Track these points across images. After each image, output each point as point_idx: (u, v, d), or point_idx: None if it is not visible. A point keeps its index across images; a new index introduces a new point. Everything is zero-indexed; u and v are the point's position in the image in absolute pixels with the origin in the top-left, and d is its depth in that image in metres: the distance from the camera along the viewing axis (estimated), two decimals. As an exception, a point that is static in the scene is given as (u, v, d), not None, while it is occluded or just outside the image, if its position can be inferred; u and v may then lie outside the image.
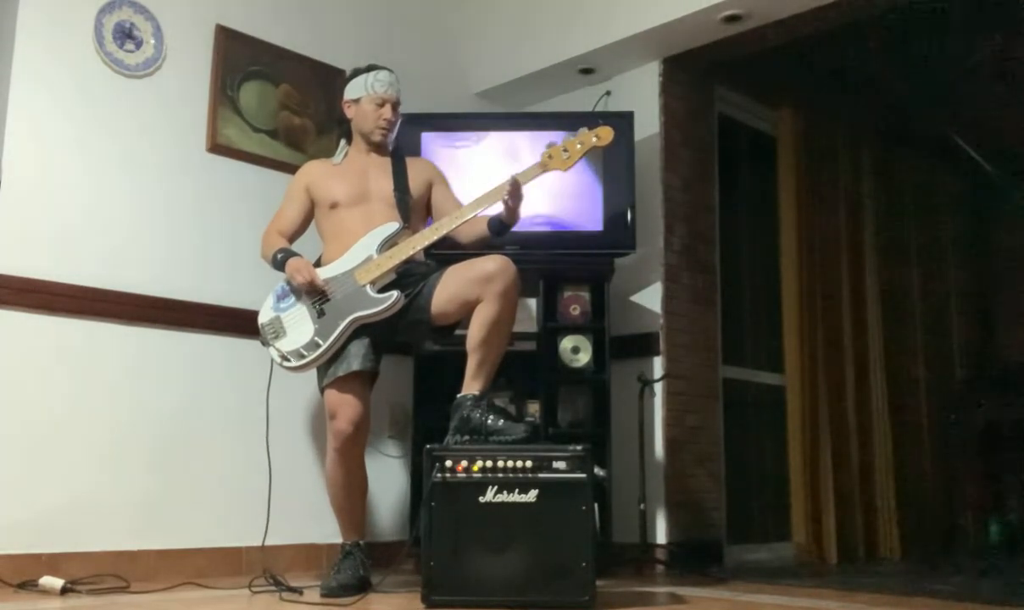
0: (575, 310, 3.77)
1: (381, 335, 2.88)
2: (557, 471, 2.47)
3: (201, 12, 3.52)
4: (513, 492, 2.46)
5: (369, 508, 3.44)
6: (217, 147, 3.51)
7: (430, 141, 3.81)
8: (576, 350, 3.72)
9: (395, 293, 2.82)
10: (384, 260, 2.84)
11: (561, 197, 3.79)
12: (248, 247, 3.27)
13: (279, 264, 2.91)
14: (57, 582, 2.72)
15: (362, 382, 2.83)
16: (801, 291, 4.59)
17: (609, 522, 3.57)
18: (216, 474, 3.35)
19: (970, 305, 6.14)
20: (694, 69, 4.25)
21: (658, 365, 3.93)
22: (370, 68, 3.09)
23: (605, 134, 2.86)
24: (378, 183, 3.03)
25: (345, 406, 2.78)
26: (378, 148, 3.10)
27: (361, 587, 2.77)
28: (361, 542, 2.91)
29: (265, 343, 2.91)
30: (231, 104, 3.56)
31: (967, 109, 5.34)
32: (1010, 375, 5.90)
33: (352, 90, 3.09)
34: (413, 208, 3.03)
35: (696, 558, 3.79)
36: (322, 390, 2.87)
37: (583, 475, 2.46)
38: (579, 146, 2.86)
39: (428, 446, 2.53)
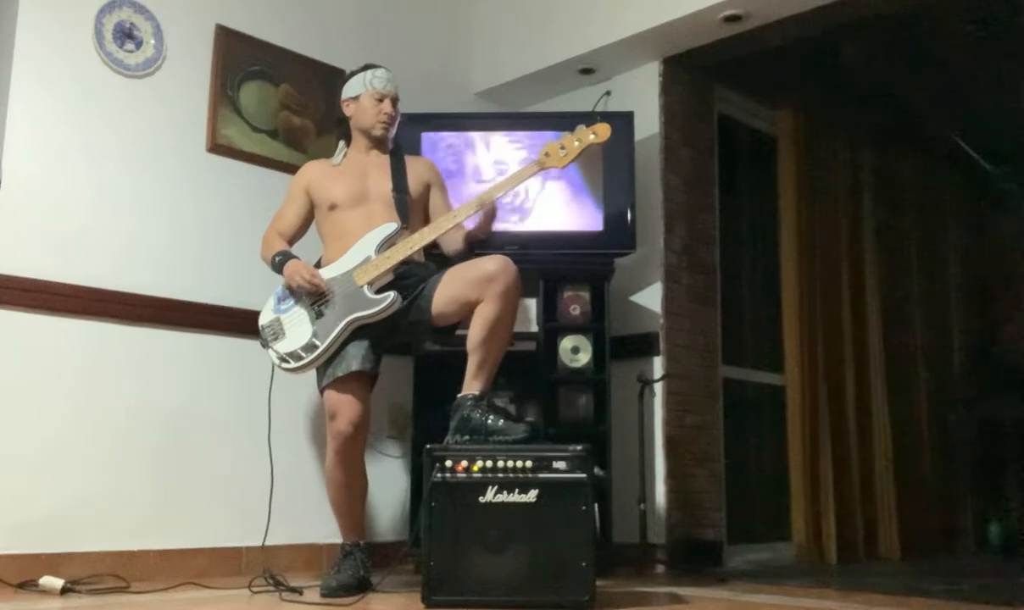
0: (575, 310, 3.77)
1: (381, 336, 2.88)
2: (557, 471, 2.47)
3: (201, 12, 3.53)
4: (513, 492, 2.46)
5: (369, 508, 3.44)
6: (217, 147, 3.51)
7: (430, 141, 3.81)
8: (576, 350, 3.72)
9: (392, 294, 2.82)
10: (382, 261, 2.84)
11: (561, 197, 3.79)
12: (248, 247, 3.27)
13: (278, 266, 2.91)
14: (57, 582, 2.72)
15: (362, 383, 2.83)
16: (801, 291, 4.59)
17: (609, 522, 3.57)
18: (216, 474, 3.35)
19: (970, 305, 6.14)
20: (694, 69, 4.25)
21: (658, 365, 3.93)
22: (367, 66, 3.10)
23: (602, 131, 2.86)
24: (377, 183, 3.03)
25: (344, 407, 2.78)
26: (378, 145, 3.10)
27: (361, 587, 2.77)
28: (361, 542, 2.91)
29: (265, 345, 2.91)
30: (231, 104, 3.56)
31: (967, 109, 5.34)
32: (1010, 375, 5.90)
33: (351, 88, 3.09)
34: (412, 208, 3.03)
35: (696, 558, 3.79)
36: (322, 391, 2.87)
37: (583, 475, 2.45)
38: (576, 143, 2.85)
39: (428, 446, 2.53)
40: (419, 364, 3.73)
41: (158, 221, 3.34)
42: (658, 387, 3.91)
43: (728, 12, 3.70)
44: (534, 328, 3.66)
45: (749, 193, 4.85)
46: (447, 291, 2.83)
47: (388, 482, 3.81)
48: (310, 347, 2.82)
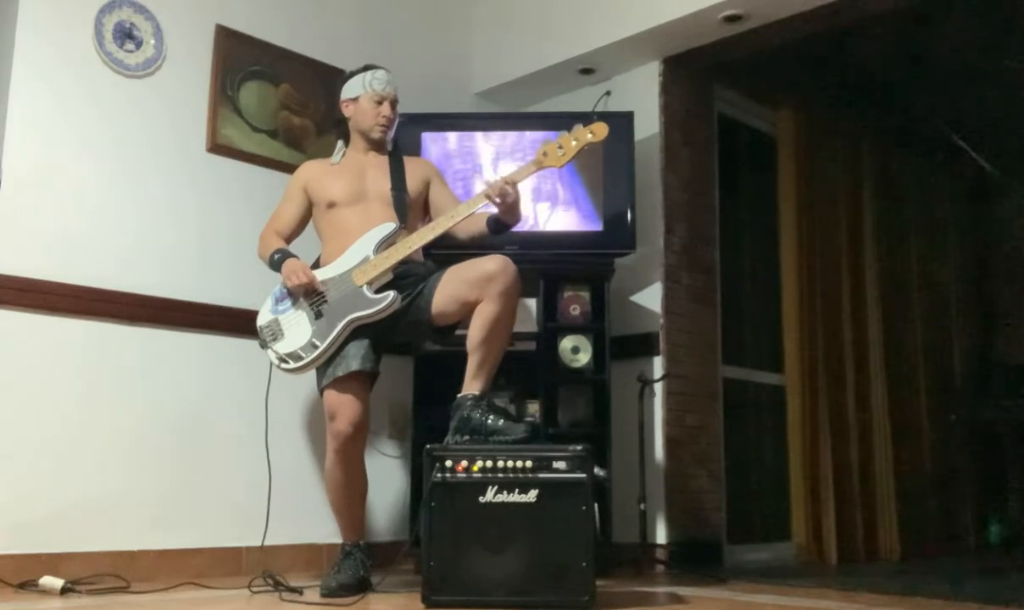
0: (575, 310, 3.77)
1: (381, 335, 2.88)
2: (557, 471, 2.47)
3: (201, 12, 3.53)
4: (513, 492, 2.46)
5: (369, 508, 3.44)
6: (217, 147, 3.51)
7: (430, 141, 3.81)
8: (576, 350, 3.72)
9: (391, 294, 2.82)
10: (381, 260, 2.84)
11: (561, 197, 3.79)
12: (248, 247, 3.27)
13: (276, 265, 2.91)
14: (57, 582, 2.72)
15: (361, 383, 2.83)
16: (801, 291, 4.60)
17: (609, 522, 3.57)
18: (217, 474, 3.35)
19: (970, 305, 6.14)
20: (694, 69, 4.25)
21: (658, 365, 3.93)
22: (367, 67, 3.09)
23: (600, 130, 2.86)
24: (376, 182, 3.03)
25: (344, 407, 2.78)
26: (377, 146, 3.10)
27: (361, 587, 2.77)
28: (361, 542, 2.91)
29: (263, 345, 2.91)
30: (231, 104, 3.56)
31: (967, 109, 5.34)
32: (1010, 375, 5.90)
33: (350, 89, 3.09)
34: (411, 207, 3.03)
35: (696, 558, 3.79)
36: (321, 391, 2.87)
37: (583, 475, 2.45)
38: (574, 143, 2.85)
39: (428, 446, 2.53)
40: (419, 364, 3.73)
41: (158, 221, 3.34)
42: (658, 387, 3.91)
43: (728, 12, 3.70)
44: (534, 328, 3.66)
45: (749, 193, 4.85)
46: (447, 291, 2.83)
47: (388, 482, 3.81)
48: (309, 347, 2.82)
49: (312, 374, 2.93)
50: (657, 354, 3.94)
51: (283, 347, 2.86)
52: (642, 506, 3.69)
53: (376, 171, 3.05)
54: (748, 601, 2.79)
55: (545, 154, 2.87)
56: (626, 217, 3.75)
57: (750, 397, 4.68)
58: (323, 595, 2.71)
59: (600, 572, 2.61)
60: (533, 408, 3.65)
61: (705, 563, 3.82)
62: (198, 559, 3.26)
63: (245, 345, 3.29)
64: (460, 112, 4.25)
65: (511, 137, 3.82)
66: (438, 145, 3.81)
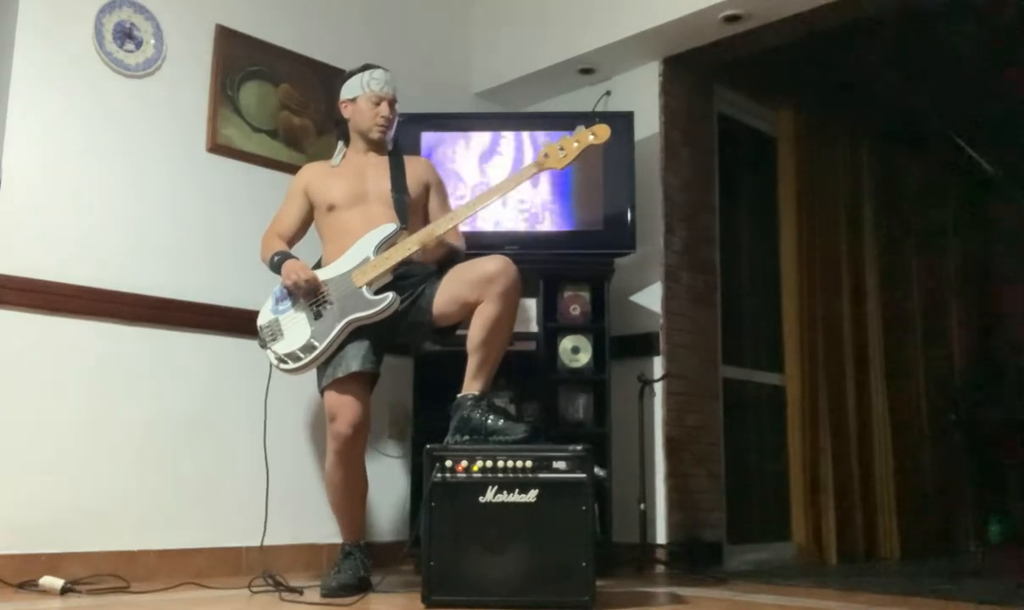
0: (575, 310, 3.77)
1: (382, 336, 2.88)
2: (557, 471, 2.47)
3: (201, 12, 3.53)
4: (513, 492, 2.46)
5: (369, 508, 3.44)
6: (217, 147, 3.51)
7: (430, 141, 3.81)
8: (576, 350, 3.72)
9: (390, 295, 2.81)
10: (380, 261, 2.84)
11: (561, 197, 3.79)
12: (249, 247, 3.27)
13: (276, 267, 2.91)
14: (57, 582, 2.72)
15: (361, 384, 2.83)
16: (801, 291, 4.60)
17: (609, 522, 3.57)
18: (216, 474, 3.35)
19: (970, 305, 6.14)
20: (694, 69, 4.25)
21: (658, 365, 3.93)
22: (365, 67, 3.09)
23: (602, 132, 2.86)
24: (376, 183, 3.03)
25: (344, 408, 2.78)
26: (376, 147, 3.10)
27: (361, 587, 2.77)
28: (361, 542, 2.91)
29: (263, 345, 2.91)
30: (231, 104, 3.56)
31: (967, 109, 5.34)
32: (1010, 376, 5.90)
33: (348, 90, 3.09)
34: (411, 208, 3.02)
35: (696, 558, 3.79)
36: (322, 392, 2.87)
37: (583, 475, 2.46)
38: (575, 144, 2.85)
39: (428, 446, 2.53)
40: (419, 364, 3.73)
41: (158, 221, 3.34)
42: (658, 387, 3.91)
43: (728, 12, 3.70)
44: (534, 328, 3.66)
45: (749, 193, 4.85)
46: (447, 291, 2.83)
47: (388, 482, 3.81)
48: (308, 348, 2.82)
49: (312, 374, 2.93)
50: (657, 354, 3.94)
51: (282, 347, 2.86)
52: (642, 506, 3.69)
53: (376, 172, 3.05)
54: (748, 601, 2.79)
55: (546, 155, 2.87)
56: (626, 217, 3.75)
57: (750, 397, 4.67)
58: (323, 595, 2.71)
59: (600, 572, 2.61)
60: (533, 408, 3.65)
61: (705, 563, 3.82)
62: (198, 559, 3.26)
63: (246, 345, 3.29)
64: (460, 112, 4.25)
65: (511, 137, 3.82)
66: (438, 145, 3.81)
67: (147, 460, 3.20)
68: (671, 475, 3.88)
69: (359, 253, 2.88)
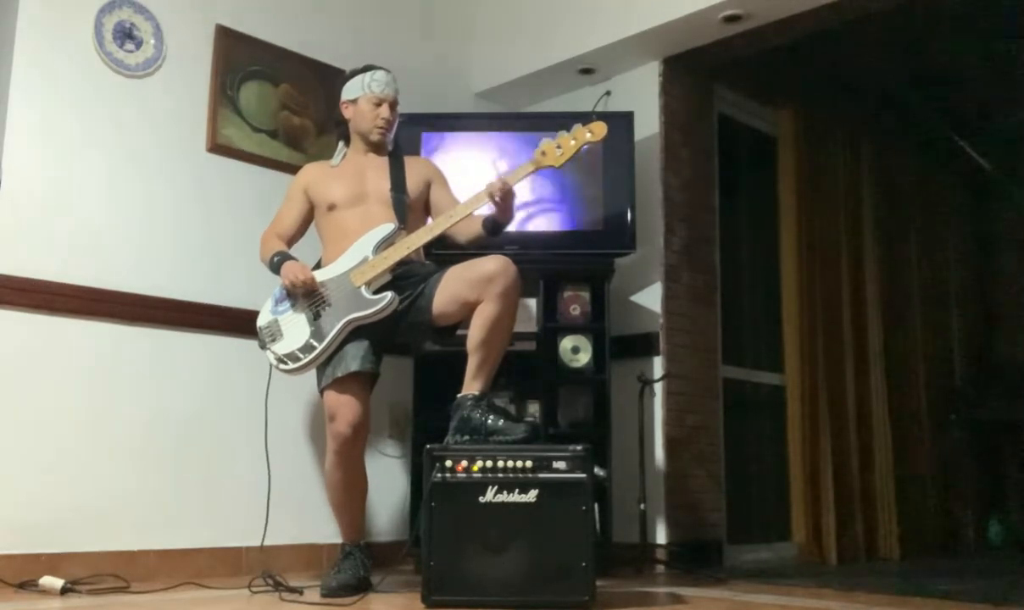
0: (575, 310, 3.77)
1: (382, 336, 2.88)
2: (557, 471, 2.47)
3: (201, 12, 3.52)
4: (513, 492, 2.46)
5: (369, 508, 3.44)
6: (217, 147, 3.51)
7: (430, 141, 3.81)
8: (576, 350, 3.72)
9: (389, 294, 2.81)
10: (379, 261, 2.84)
11: (561, 197, 3.79)
12: (248, 248, 3.27)
13: (275, 267, 2.91)
14: (57, 582, 2.72)
15: (361, 384, 2.83)
16: (801, 291, 4.59)
17: (609, 522, 3.57)
18: (216, 474, 3.35)
19: (970, 305, 6.14)
20: (694, 69, 4.25)
21: (658, 365, 3.93)
22: (367, 68, 3.09)
23: (599, 129, 2.85)
24: (375, 183, 3.03)
25: (344, 408, 2.78)
26: (376, 148, 3.10)
27: (361, 587, 2.77)
28: (361, 542, 2.91)
29: (263, 346, 2.91)
30: (231, 104, 3.56)
31: (967, 108, 5.35)
32: (1010, 375, 5.90)
33: (349, 91, 3.09)
34: (410, 208, 3.02)
35: (696, 558, 3.79)
36: (322, 392, 2.86)
37: (583, 475, 2.46)
38: (573, 142, 2.85)
39: (428, 446, 2.53)
40: (419, 364, 3.73)
41: (158, 221, 3.34)
42: (658, 387, 3.91)
43: (728, 12, 3.70)
44: (534, 328, 3.66)
45: (749, 193, 4.85)
46: (447, 291, 2.83)
47: (388, 482, 3.81)
48: (308, 348, 2.82)
49: (312, 374, 2.93)
50: (657, 354, 3.94)
51: (282, 348, 2.86)
52: (642, 506, 3.69)
53: (376, 172, 3.05)
54: (748, 601, 2.79)
55: (543, 153, 2.86)
56: (626, 217, 3.75)
57: (750, 397, 4.67)
58: (323, 595, 2.71)
59: (600, 572, 2.61)
60: (533, 408, 3.65)
61: (705, 563, 3.82)
62: (198, 559, 3.26)
63: (246, 345, 3.29)
64: (460, 112, 4.25)
65: (511, 137, 3.82)
66: (438, 145, 3.81)
67: (147, 460, 3.20)
68: (671, 475, 3.88)
69: (358, 253, 2.88)
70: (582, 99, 4.30)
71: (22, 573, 2.83)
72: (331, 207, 3.01)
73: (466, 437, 2.66)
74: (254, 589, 2.80)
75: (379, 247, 2.87)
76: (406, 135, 3.59)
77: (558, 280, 3.76)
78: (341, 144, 3.16)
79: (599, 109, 4.13)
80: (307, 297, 2.87)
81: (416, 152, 3.69)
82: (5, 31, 3.12)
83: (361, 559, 2.86)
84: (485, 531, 2.44)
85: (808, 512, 4.43)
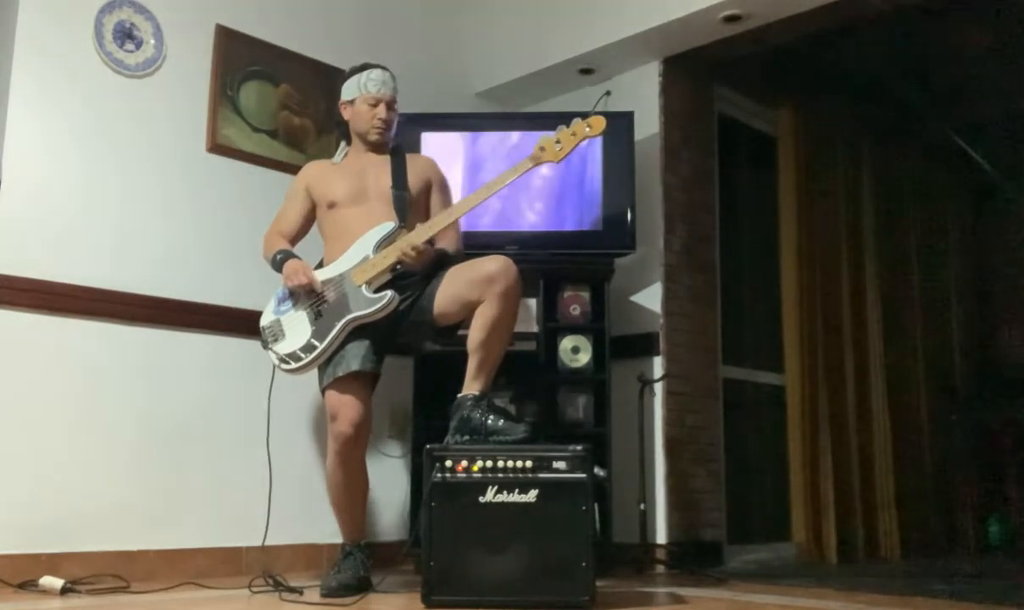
0: (575, 310, 3.77)
1: (383, 336, 2.88)
2: (557, 471, 2.47)
3: (201, 12, 3.52)
4: (513, 492, 2.46)
5: (369, 508, 3.44)
6: (217, 147, 3.51)
7: (430, 141, 3.81)
8: (576, 350, 3.72)
9: (389, 293, 2.81)
10: (379, 260, 2.84)
11: (561, 197, 3.79)
12: (248, 248, 3.27)
13: (277, 266, 2.91)
14: (57, 582, 2.72)
15: (362, 383, 2.83)
16: (801, 291, 4.59)
17: (609, 522, 3.57)
18: (217, 474, 3.35)
19: (970, 305, 6.14)
20: (694, 69, 4.25)
21: (658, 365, 3.93)
22: (364, 67, 3.08)
23: (597, 124, 2.84)
24: (377, 181, 3.03)
25: (345, 408, 2.78)
26: (376, 148, 3.10)
27: (361, 587, 2.77)
28: (362, 542, 2.91)
29: (265, 346, 2.91)
30: (231, 104, 3.56)
31: (967, 108, 5.34)
32: (1010, 375, 5.90)
33: (347, 91, 3.08)
34: (412, 205, 3.02)
35: (696, 558, 3.79)
36: (323, 391, 2.86)
37: (583, 475, 2.46)
38: (572, 136, 2.84)
39: (428, 446, 2.53)
40: (419, 364, 3.73)
41: (158, 221, 3.34)
42: (658, 387, 3.91)
43: (728, 12, 3.70)
44: (534, 328, 3.66)
45: (749, 193, 4.85)
46: (448, 291, 2.83)
47: (388, 482, 3.81)
48: (309, 348, 2.82)
49: (313, 374, 2.93)
50: (657, 354, 3.94)
51: (283, 348, 2.86)
52: (642, 506, 3.69)
53: (377, 170, 3.05)
54: (748, 601, 2.79)
55: (542, 149, 2.85)
56: (626, 217, 3.75)
57: (750, 397, 4.67)
58: (323, 595, 2.70)
59: (600, 572, 2.62)
60: (533, 408, 3.65)
61: (705, 563, 3.82)
62: (198, 559, 3.26)
63: (245, 345, 3.30)
64: (460, 112, 4.24)
65: (511, 137, 3.82)
66: (438, 145, 3.81)
67: (147, 460, 3.20)
68: (671, 475, 3.88)
69: (359, 252, 2.88)
70: (582, 99, 4.30)
71: (22, 573, 2.83)
72: (332, 205, 3.01)
73: (466, 437, 2.66)
74: (254, 589, 2.80)
75: (380, 246, 2.87)
76: (406, 135, 3.59)
77: (558, 280, 3.76)
78: (343, 143, 3.15)
79: (599, 109, 4.13)
80: (309, 296, 2.87)
81: (416, 152, 3.68)
82: (5, 31, 3.12)
83: (361, 559, 2.86)
84: (485, 531, 2.44)
85: (808, 512, 4.43)
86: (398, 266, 2.84)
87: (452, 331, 2.93)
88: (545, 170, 2.95)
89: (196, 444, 3.32)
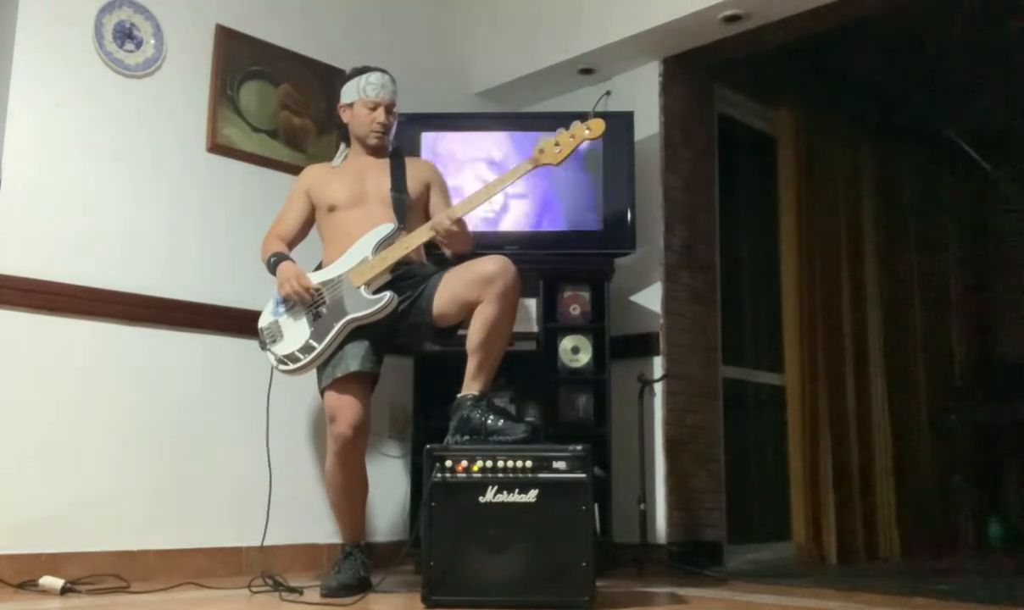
0: (575, 310, 3.77)
1: (382, 337, 2.88)
2: (557, 471, 2.47)
3: (201, 12, 3.53)
4: (513, 492, 2.46)
5: (369, 508, 3.44)
6: (217, 147, 3.51)
7: (430, 141, 3.81)
8: (576, 350, 3.72)
9: (388, 294, 2.81)
10: (378, 261, 2.84)
11: (561, 197, 3.79)
12: (248, 248, 3.27)
13: (272, 269, 2.92)
14: (57, 582, 2.72)
15: (361, 384, 2.83)
16: (801, 291, 4.59)
17: (609, 522, 3.57)
18: (216, 474, 3.35)
19: (970, 304, 6.14)
20: (694, 69, 4.25)
21: (658, 365, 3.93)
22: (363, 71, 3.08)
23: (597, 127, 2.84)
24: (376, 184, 3.03)
25: (344, 409, 2.78)
26: (375, 151, 3.10)
27: (361, 587, 2.77)
28: (361, 543, 2.91)
29: (263, 347, 2.91)
30: (231, 104, 3.56)
31: (966, 108, 5.34)
32: (1010, 375, 5.89)
33: (346, 94, 3.08)
34: (410, 208, 3.02)
35: (696, 558, 3.79)
36: (322, 392, 2.86)
37: (583, 475, 2.46)
38: (571, 139, 2.84)
39: (428, 446, 2.53)
40: (419, 364, 3.73)
41: (158, 221, 3.34)
42: (658, 387, 3.91)
43: (728, 12, 3.70)
44: (534, 328, 3.66)
45: (749, 193, 4.85)
46: (447, 291, 2.83)
47: (388, 482, 3.81)
48: (307, 349, 2.82)
49: (313, 374, 2.93)
50: (657, 354, 3.94)
51: (282, 349, 2.86)
52: (642, 506, 3.69)
53: (376, 173, 3.05)
54: (748, 601, 2.79)
55: (542, 151, 2.85)
56: (626, 217, 3.75)
57: (750, 397, 4.67)
58: (323, 595, 2.71)
59: (600, 572, 2.62)
60: (533, 408, 3.65)
61: (705, 563, 3.81)
62: (198, 559, 3.26)
63: (245, 345, 3.30)
64: (460, 112, 4.25)
65: (511, 137, 3.82)
66: (438, 145, 3.81)
67: (147, 460, 3.20)
68: (671, 475, 3.88)
69: (358, 253, 2.88)
70: (582, 99, 4.30)
71: (22, 573, 2.83)
72: (332, 208, 3.01)
73: (466, 437, 2.66)
74: (254, 589, 2.80)
75: (378, 247, 2.87)
76: (406, 135, 3.59)
77: (558, 280, 3.76)
78: (342, 146, 3.16)
79: (599, 109, 4.13)
80: (303, 302, 2.87)
81: (416, 152, 3.69)
82: (5, 31, 3.12)
83: (361, 559, 2.86)
84: (485, 531, 2.44)
85: (808, 512, 4.42)
86: (402, 264, 2.84)
87: (451, 332, 2.92)
88: (544, 172, 2.95)
89: (196, 444, 3.32)
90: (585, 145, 2.90)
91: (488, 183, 2.90)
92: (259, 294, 3.05)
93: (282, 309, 2.91)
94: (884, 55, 4.73)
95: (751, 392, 4.68)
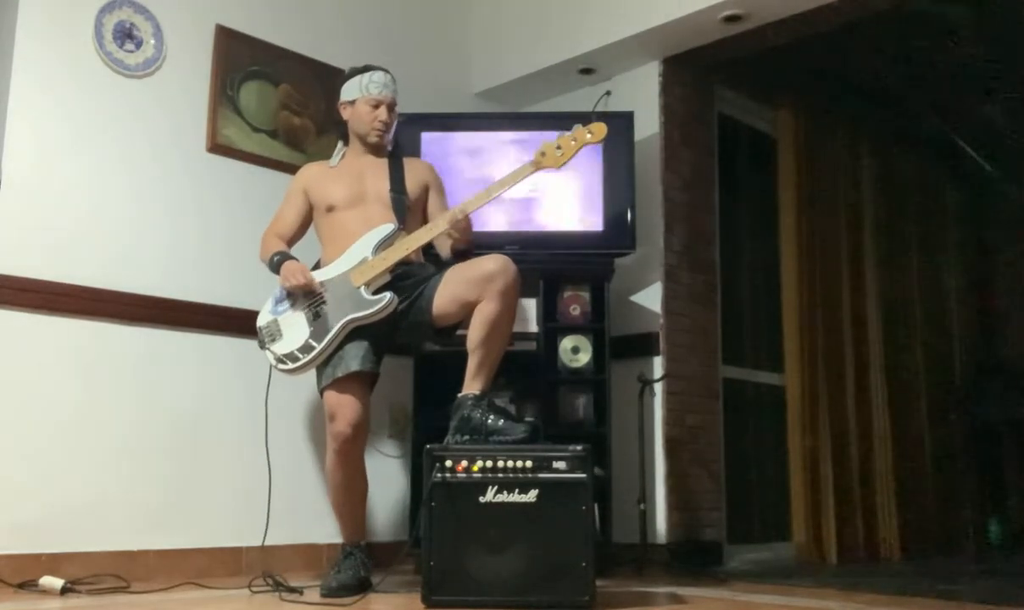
0: (575, 310, 3.77)
1: (382, 336, 2.88)
2: (557, 471, 2.46)
3: (201, 12, 3.53)
4: (513, 492, 2.46)
5: (369, 508, 3.44)
6: (217, 147, 3.51)
7: (430, 141, 3.81)
8: (576, 350, 3.72)
9: (388, 295, 2.81)
10: (378, 262, 2.84)
11: (561, 197, 3.79)
12: (248, 247, 3.27)
13: (275, 267, 2.91)
14: (57, 582, 2.72)
15: (361, 383, 2.83)
16: (801, 291, 4.59)
17: (609, 522, 3.57)
18: (216, 474, 3.35)
19: (970, 305, 6.14)
20: (694, 69, 4.25)
21: (658, 365, 3.93)
22: (365, 69, 3.08)
23: (599, 130, 2.84)
24: (375, 184, 3.03)
25: (344, 408, 2.78)
26: (375, 150, 3.10)
27: (361, 587, 2.77)
28: (361, 543, 2.91)
29: (262, 346, 2.91)
30: (231, 104, 3.56)
31: (967, 109, 5.34)
32: (1010, 375, 5.90)
33: (347, 92, 3.08)
34: (410, 209, 3.02)
35: (696, 558, 3.79)
36: (321, 392, 2.86)
37: (583, 475, 2.45)
38: (573, 143, 2.84)
39: (428, 446, 2.53)
40: (419, 364, 3.73)
41: (158, 221, 3.34)
42: (658, 387, 3.91)
43: (728, 12, 3.70)
44: (534, 328, 3.66)
45: (749, 193, 4.85)
46: (447, 291, 2.83)
47: (388, 482, 3.81)
48: (307, 348, 2.82)
49: (313, 374, 2.93)
50: (657, 354, 3.94)
51: (281, 348, 2.86)
52: (642, 506, 3.69)
53: (375, 173, 3.05)
54: (748, 601, 2.79)
55: (543, 155, 2.86)
56: (626, 217, 3.75)
57: (750, 397, 4.67)
58: (323, 595, 2.71)
59: (600, 572, 2.61)
60: (533, 408, 3.65)
61: (705, 563, 3.82)
62: (198, 559, 3.26)
63: (244, 345, 3.29)
64: (460, 112, 4.25)
65: (511, 137, 3.82)
66: (438, 145, 3.81)
67: (147, 460, 3.20)
68: (671, 475, 3.88)
69: (357, 253, 2.88)
70: (582, 99, 4.30)
71: (22, 573, 2.83)
72: (330, 208, 3.01)
73: (466, 437, 2.66)
74: (254, 589, 2.80)
75: (379, 247, 2.87)
76: (406, 135, 3.59)
77: (558, 280, 3.76)
78: (340, 144, 3.16)
79: (599, 109, 4.13)
80: (307, 297, 2.87)
81: (416, 153, 3.69)
82: (5, 31, 3.12)
83: (361, 559, 2.86)
84: (485, 531, 2.44)
85: (808, 512, 4.43)
86: (402, 264, 2.84)
87: (451, 331, 2.92)
88: (545, 174, 2.95)
89: (196, 444, 3.32)
90: (586, 148, 2.89)
91: (489, 186, 2.90)
92: (259, 294, 3.05)
93: (281, 308, 2.91)
94: (884, 55, 4.73)
95: (751, 392, 4.68)
